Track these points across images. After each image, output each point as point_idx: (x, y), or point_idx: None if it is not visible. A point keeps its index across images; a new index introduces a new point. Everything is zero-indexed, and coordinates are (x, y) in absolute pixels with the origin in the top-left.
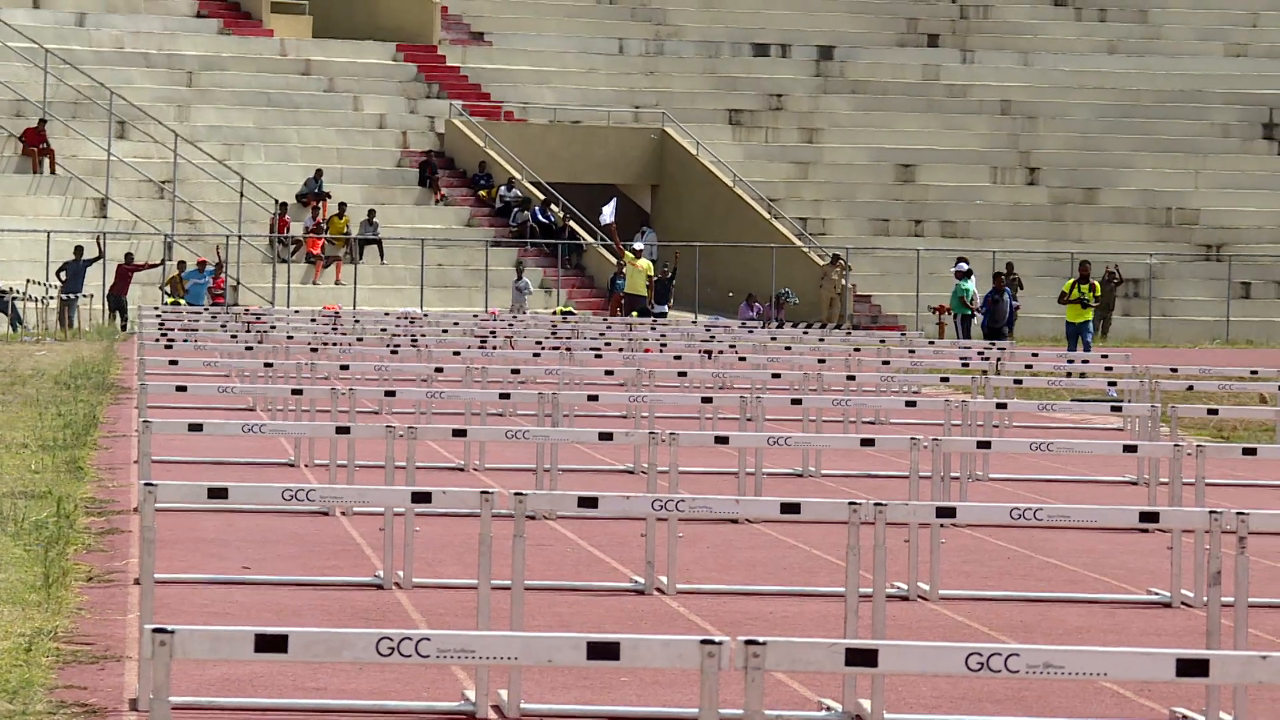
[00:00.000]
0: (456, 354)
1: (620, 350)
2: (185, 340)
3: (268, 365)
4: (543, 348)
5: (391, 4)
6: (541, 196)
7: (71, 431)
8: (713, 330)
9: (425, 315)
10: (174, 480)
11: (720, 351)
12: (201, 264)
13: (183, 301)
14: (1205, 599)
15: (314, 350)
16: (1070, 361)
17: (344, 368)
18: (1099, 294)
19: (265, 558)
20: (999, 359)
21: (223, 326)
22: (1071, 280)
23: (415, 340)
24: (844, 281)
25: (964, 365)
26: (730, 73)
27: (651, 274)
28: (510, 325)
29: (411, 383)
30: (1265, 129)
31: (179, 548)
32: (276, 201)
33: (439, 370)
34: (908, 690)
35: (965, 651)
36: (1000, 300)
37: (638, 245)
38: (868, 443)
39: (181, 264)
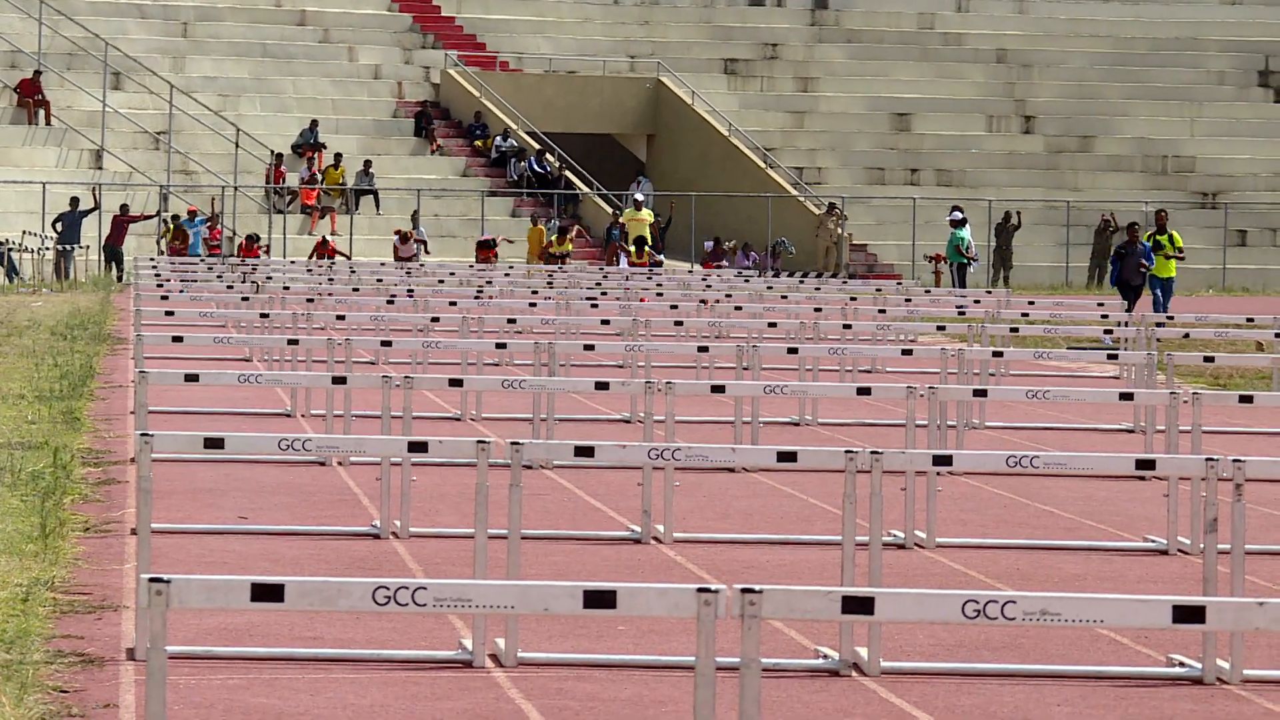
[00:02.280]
0: (453, 304)
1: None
2: (181, 291)
3: (264, 315)
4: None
5: None
6: (537, 146)
7: (68, 382)
8: (708, 279)
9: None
10: (170, 430)
11: (716, 300)
12: (191, 213)
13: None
14: (1202, 546)
15: (310, 301)
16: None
17: (340, 318)
18: (1179, 245)
19: (262, 508)
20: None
21: (219, 277)
22: (1149, 232)
23: (411, 291)
24: (840, 230)
25: (960, 313)
26: (725, 22)
27: (652, 221)
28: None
29: (408, 333)
30: (1261, 76)
31: (176, 498)
32: (272, 152)
33: (435, 320)
34: (904, 638)
35: (962, 599)
36: (1132, 253)
37: (638, 196)
38: (864, 391)
39: (175, 217)
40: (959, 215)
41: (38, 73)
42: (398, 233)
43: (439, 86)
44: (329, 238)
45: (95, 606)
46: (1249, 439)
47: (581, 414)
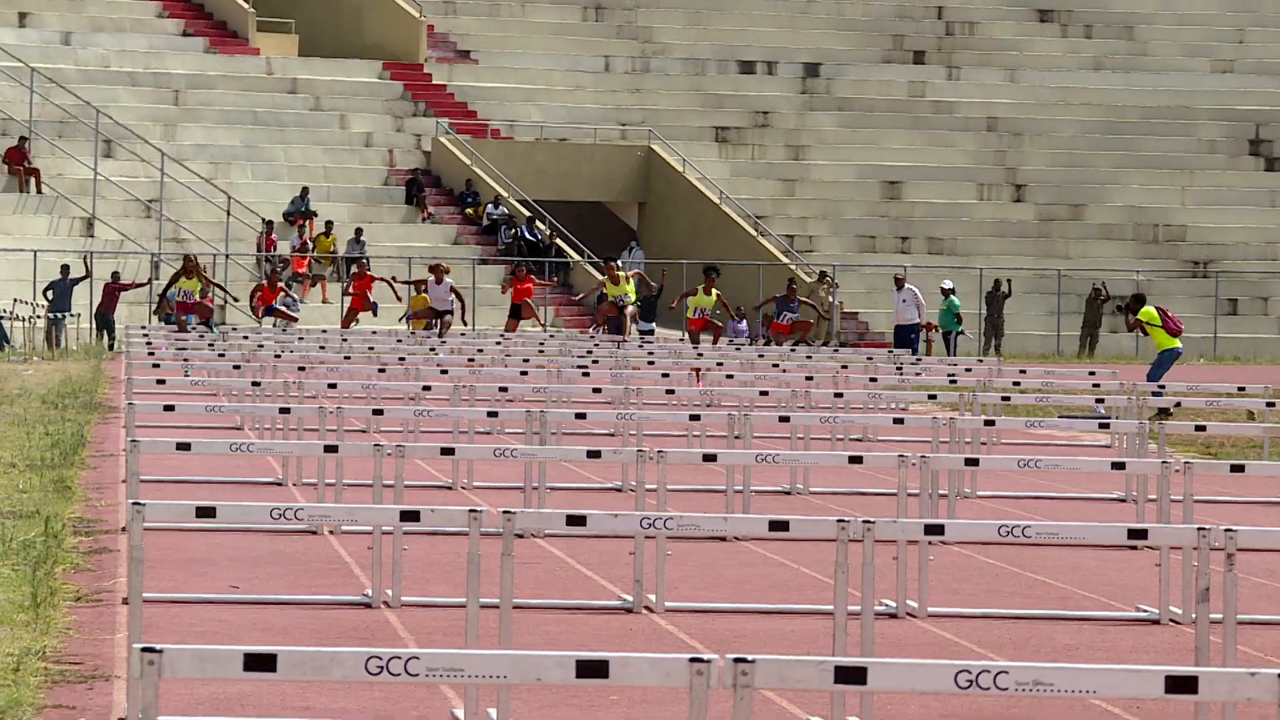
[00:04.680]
0: (444, 372)
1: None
2: (173, 359)
3: (255, 384)
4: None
5: (378, 22)
6: (528, 214)
7: (59, 451)
8: (700, 349)
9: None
10: (162, 499)
11: (708, 369)
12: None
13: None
14: (1194, 616)
15: (301, 369)
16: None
17: (332, 386)
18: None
19: (253, 577)
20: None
21: (210, 345)
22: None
23: (403, 359)
24: (831, 299)
25: (952, 382)
26: (716, 90)
27: (633, 294)
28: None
29: (399, 401)
30: (1251, 145)
31: (167, 567)
32: (263, 220)
33: (427, 388)
34: (897, 708)
35: (954, 669)
36: None
37: (620, 262)
38: (856, 460)
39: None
40: (949, 285)
41: (24, 139)
42: (432, 269)
43: (430, 154)
44: (369, 273)
45: (87, 676)
46: (1241, 508)
47: (573, 482)
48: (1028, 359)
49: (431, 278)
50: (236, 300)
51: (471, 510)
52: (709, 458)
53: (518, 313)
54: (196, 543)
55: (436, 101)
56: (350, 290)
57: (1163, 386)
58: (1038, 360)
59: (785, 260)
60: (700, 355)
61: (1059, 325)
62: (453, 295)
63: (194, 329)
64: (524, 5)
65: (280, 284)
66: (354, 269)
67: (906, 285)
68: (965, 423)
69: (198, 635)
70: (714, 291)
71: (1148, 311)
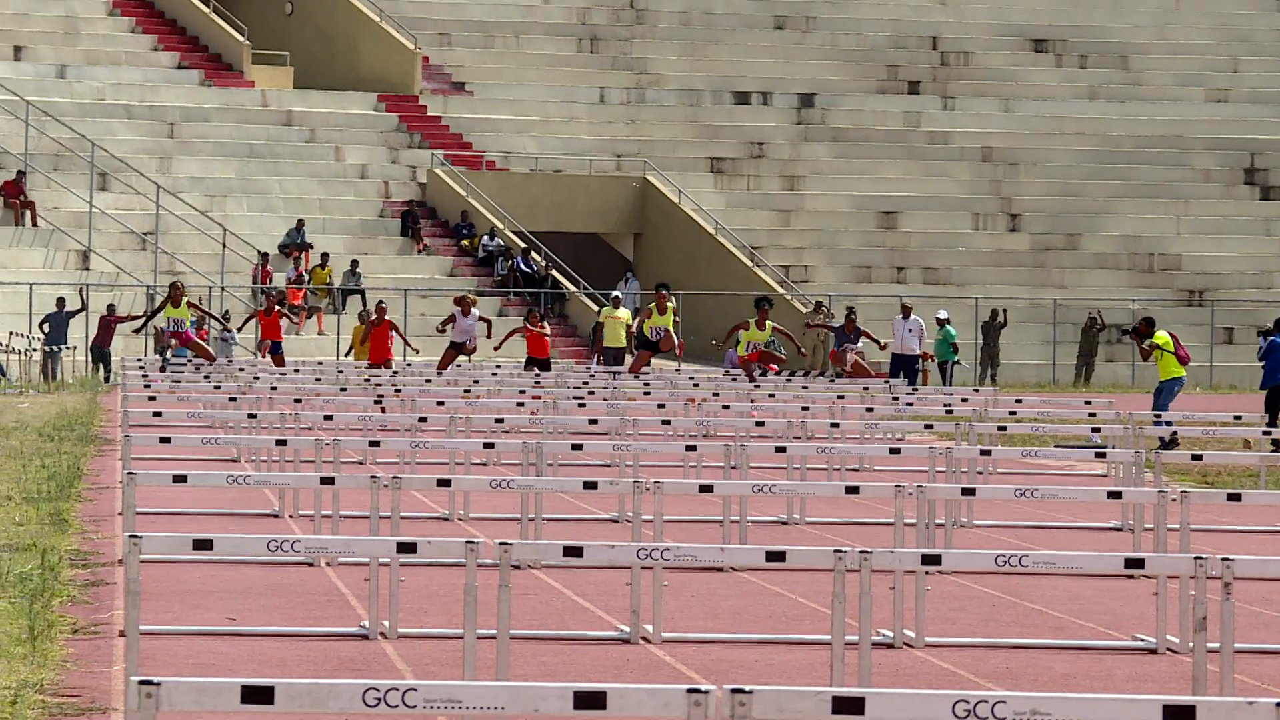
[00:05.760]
0: (440, 404)
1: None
2: (170, 392)
3: (251, 416)
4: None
5: (372, 54)
6: (523, 245)
7: (55, 484)
8: (695, 379)
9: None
10: (159, 532)
11: (704, 399)
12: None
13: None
14: (1191, 645)
15: (298, 401)
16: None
17: (328, 418)
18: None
19: (250, 609)
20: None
21: (206, 378)
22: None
23: (399, 390)
24: (831, 326)
25: (948, 412)
26: (711, 121)
27: (630, 324)
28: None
29: (395, 433)
30: (1246, 174)
31: (164, 599)
32: (259, 252)
33: (423, 420)
34: None
35: (952, 699)
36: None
37: (617, 294)
38: (852, 490)
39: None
40: (944, 315)
41: (21, 173)
42: (459, 301)
43: (425, 186)
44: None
45: (84, 709)
46: (1237, 537)
47: (570, 513)
48: (1023, 388)
49: (459, 310)
50: (228, 326)
51: (468, 542)
52: (706, 488)
53: (535, 365)
54: (193, 575)
55: (432, 133)
56: (368, 334)
57: (1162, 418)
58: (1033, 390)
59: (781, 291)
60: (756, 387)
61: (1054, 354)
62: (481, 323)
63: (173, 359)
64: (519, 37)
65: (279, 308)
66: (373, 315)
67: (913, 315)
68: (962, 452)
69: (195, 668)
70: (768, 324)
71: (1163, 337)
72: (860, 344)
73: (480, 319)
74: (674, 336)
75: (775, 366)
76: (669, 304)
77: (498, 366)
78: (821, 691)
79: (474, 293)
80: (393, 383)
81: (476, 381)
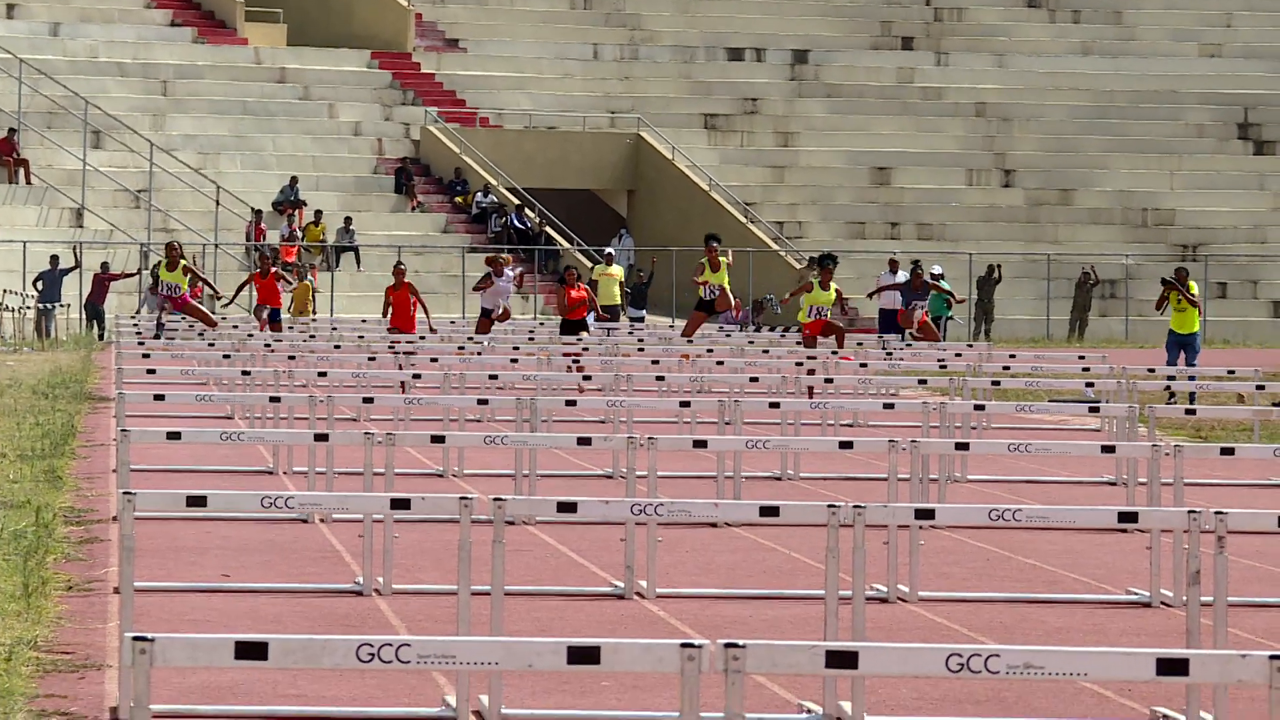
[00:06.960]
0: (434, 360)
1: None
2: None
3: (245, 373)
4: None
5: (366, 11)
6: (517, 202)
7: (50, 441)
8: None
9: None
10: (152, 489)
11: (697, 355)
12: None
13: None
14: (1184, 598)
15: (291, 358)
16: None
17: (322, 375)
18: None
19: (244, 565)
20: None
21: (200, 334)
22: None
23: (393, 346)
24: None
25: (942, 367)
26: (705, 77)
27: (623, 280)
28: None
29: (390, 389)
30: (1240, 129)
31: (158, 556)
32: (252, 210)
33: (417, 377)
34: (888, 692)
35: (945, 652)
36: None
37: (609, 251)
38: (846, 445)
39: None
40: (938, 270)
41: (13, 130)
42: (490, 261)
43: (419, 143)
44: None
45: (79, 666)
46: (1231, 491)
47: (564, 470)
48: (1017, 343)
49: (491, 270)
50: (221, 297)
51: (462, 498)
52: (699, 444)
53: (572, 328)
54: (187, 531)
55: (425, 90)
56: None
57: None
58: (1027, 345)
59: (775, 247)
60: (812, 372)
61: (1048, 310)
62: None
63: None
64: None
65: (275, 269)
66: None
67: (900, 270)
68: (955, 407)
69: (189, 624)
70: (832, 285)
71: (1194, 288)
72: (927, 304)
73: (515, 278)
74: (729, 295)
75: (737, 311)
76: (721, 259)
77: (539, 326)
78: (815, 646)
79: (467, 249)
80: (427, 351)
81: (516, 348)
